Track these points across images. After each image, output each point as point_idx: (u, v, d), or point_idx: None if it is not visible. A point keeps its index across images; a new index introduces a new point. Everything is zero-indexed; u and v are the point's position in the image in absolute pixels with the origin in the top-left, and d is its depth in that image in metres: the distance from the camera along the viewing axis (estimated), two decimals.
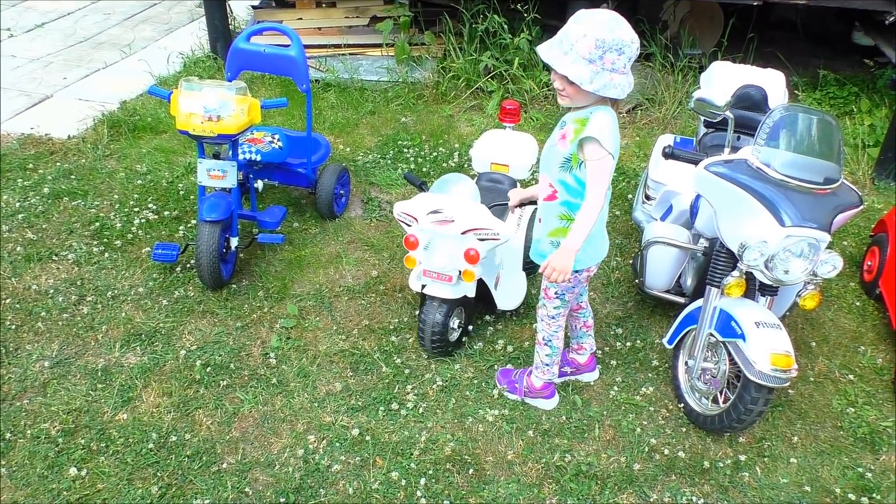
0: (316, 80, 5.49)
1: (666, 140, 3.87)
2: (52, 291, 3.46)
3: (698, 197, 3.07)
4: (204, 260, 3.33)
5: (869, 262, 3.81)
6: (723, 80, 3.62)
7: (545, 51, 2.31)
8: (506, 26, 5.21)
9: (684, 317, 3.01)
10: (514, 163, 3.59)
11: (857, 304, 3.69)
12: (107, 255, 3.72)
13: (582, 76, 2.24)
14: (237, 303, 3.46)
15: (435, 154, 4.72)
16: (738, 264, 2.66)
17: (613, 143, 2.37)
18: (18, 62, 5.81)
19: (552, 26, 5.84)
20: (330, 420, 2.89)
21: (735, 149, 3.34)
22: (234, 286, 3.54)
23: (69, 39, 6.31)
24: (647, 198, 3.80)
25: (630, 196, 4.35)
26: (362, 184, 4.42)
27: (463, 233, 2.88)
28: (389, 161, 4.65)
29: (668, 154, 2.87)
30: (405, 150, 4.76)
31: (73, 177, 4.34)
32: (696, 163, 2.81)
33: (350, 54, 5.73)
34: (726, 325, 2.76)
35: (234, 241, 3.52)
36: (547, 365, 2.90)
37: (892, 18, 4.72)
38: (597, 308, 3.55)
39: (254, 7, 6.47)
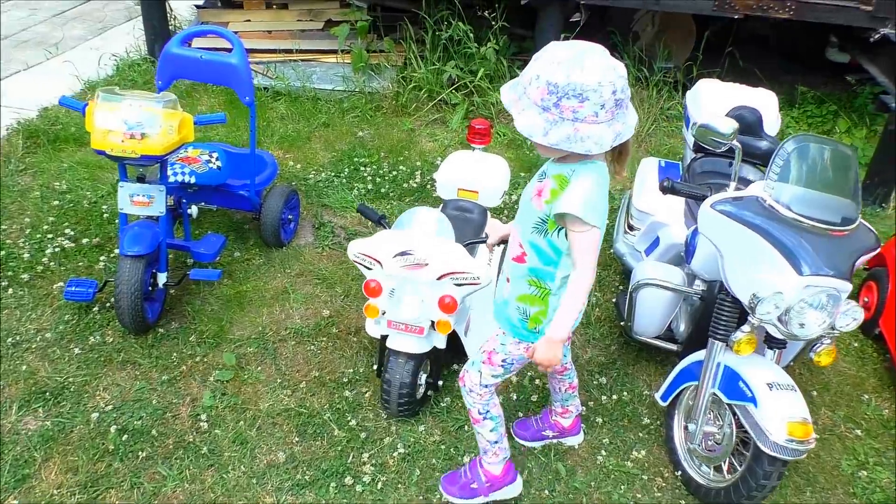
0: (264, 88, 5.01)
1: (650, 165, 3.51)
2: None
3: (695, 233, 2.71)
4: (124, 301, 2.84)
5: (865, 299, 3.51)
6: (712, 101, 3.28)
7: (504, 92, 1.91)
8: (471, 34, 4.82)
9: (680, 371, 2.65)
10: (484, 189, 3.19)
11: (855, 345, 3.39)
12: (11, 291, 3.18)
13: (533, 127, 1.81)
14: (164, 350, 2.97)
15: (395, 173, 4.29)
16: (749, 318, 2.30)
17: (599, 213, 1.94)
18: None
19: (520, 35, 5.55)
20: (271, 501, 2.43)
21: (743, 181, 3.00)
22: (161, 330, 3.05)
23: None
24: (630, 228, 3.44)
25: (607, 223, 3.99)
26: (314, 206, 3.96)
27: (438, 278, 2.46)
28: (344, 180, 4.20)
29: (668, 188, 2.50)
30: (362, 167, 4.32)
31: None
32: (699, 199, 2.44)
33: (302, 60, 5.26)
34: (733, 384, 2.40)
35: (161, 278, 3.03)
36: (496, 442, 2.36)
37: (878, 36, 4.47)
38: (576, 353, 3.16)
39: (198, 6, 5.95)
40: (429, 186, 4.18)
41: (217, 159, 3.35)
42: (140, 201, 2.87)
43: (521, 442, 2.71)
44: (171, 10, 5.57)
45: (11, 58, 5.36)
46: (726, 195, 2.37)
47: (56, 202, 3.77)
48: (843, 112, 5.17)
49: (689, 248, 2.75)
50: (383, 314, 2.61)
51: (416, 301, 2.53)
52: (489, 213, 3.22)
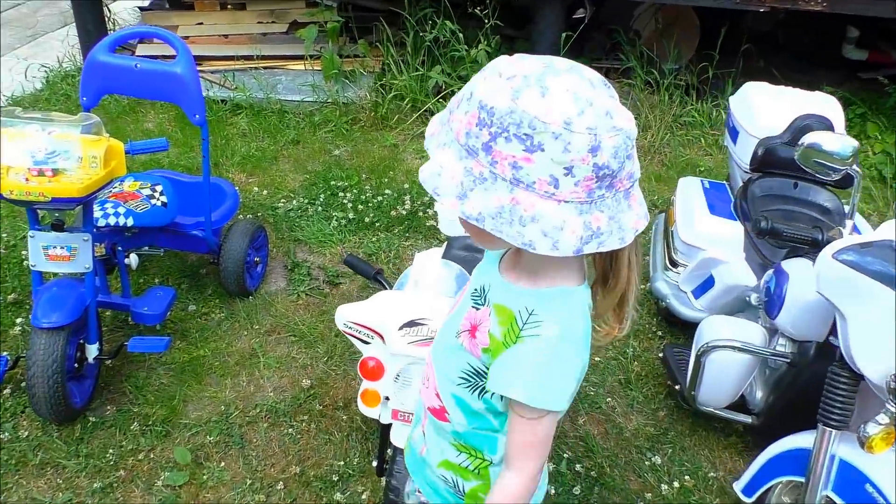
0: (221, 101, 4.32)
1: (693, 186, 2.92)
2: None
3: (780, 276, 2.12)
4: (40, 385, 2.16)
5: None
6: (768, 110, 2.71)
7: (431, 123, 1.11)
8: (460, 35, 4.20)
9: (768, 461, 2.05)
10: None
11: None
12: None
13: (444, 178, 1.03)
14: (97, 446, 2.29)
15: (379, 198, 3.64)
16: (887, 404, 1.71)
17: (564, 392, 1.15)
18: None
19: (511, 36, 4.96)
20: None
21: (816, 206, 2.43)
22: (92, 418, 2.37)
23: None
24: (673, 263, 2.84)
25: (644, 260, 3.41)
26: (285, 242, 3.30)
27: None
28: (320, 208, 3.55)
29: (766, 232, 1.90)
30: (340, 192, 3.67)
31: None
32: (811, 245, 1.85)
33: (265, 68, 4.59)
34: (855, 487, 1.82)
35: (91, 350, 2.35)
36: None
37: None
38: (619, 423, 2.56)
39: (141, 9, 5.22)
40: (421, 213, 3.55)
41: (161, 193, 2.67)
42: (57, 255, 2.19)
43: None
44: (110, 14, 4.87)
45: None
46: (851, 242, 1.77)
47: None
48: (872, 115, 4.68)
49: (774, 298, 2.15)
50: (386, 401, 1.97)
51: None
52: None
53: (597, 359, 2.81)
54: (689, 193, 2.89)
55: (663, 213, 3.16)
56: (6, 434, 2.29)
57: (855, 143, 1.87)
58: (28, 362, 2.16)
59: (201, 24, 4.82)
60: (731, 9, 4.05)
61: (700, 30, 5.07)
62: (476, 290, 1.27)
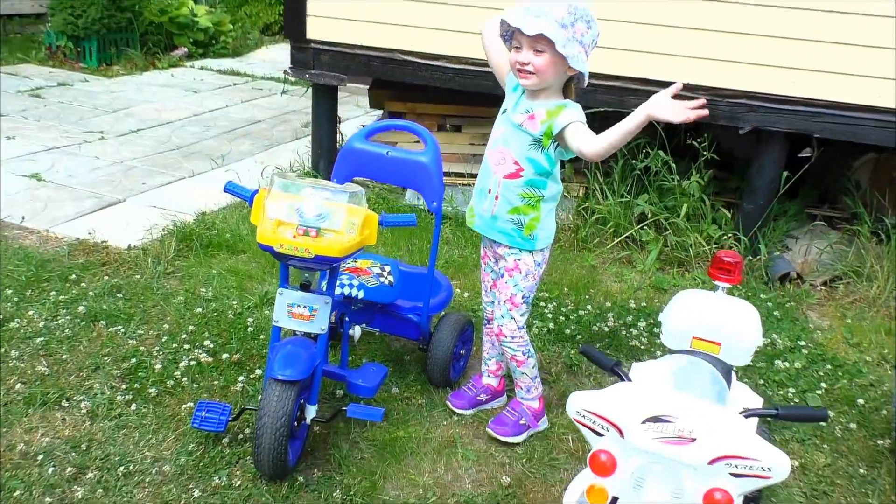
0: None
1: None
2: (42, 456, 2.38)
3: None
4: (267, 436, 2.22)
5: None
6: None
7: (547, 26, 2.17)
8: (672, 165, 4.22)
9: None
10: (731, 341, 2.41)
11: None
12: (133, 406, 2.66)
13: (552, 33, 2.17)
14: None
15: (580, 312, 3.59)
16: None
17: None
18: (99, 164, 5.17)
19: (725, 173, 4.92)
20: None
21: None
22: (300, 478, 2.39)
23: (161, 147, 5.71)
24: None
25: (860, 401, 3.07)
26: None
27: (711, 462, 1.68)
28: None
29: None
30: (541, 302, 3.66)
31: (119, 294, 3.41)
32: None
33: (472, 185, 4.83)
34: None
35: (310, 411, 2.41)
36: (536, 377, 2.70)
37: None
38: None
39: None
40: (623, 333, 3.45)
41: (389, 273, 2.80)
42: (300, 314, 2.32)
43: (459, 411, 2.80)
44: (340, 130, 5.40)
45: (180, 166, 5.28)
46: None
47: (199, 309, 3.33)
48: None
49: None
50: (614, 501, 1.82)
51: (669, 491, 1.73)
52: (734, 373, 2.43)
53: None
54: None
55: None
56: (222, 479, 2.35)
57: None
58: (259, 412, 2.24)
59: (419, 142, 5.20)
60: None
61: None
62: (525, 108, 2.38)
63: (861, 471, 2.69)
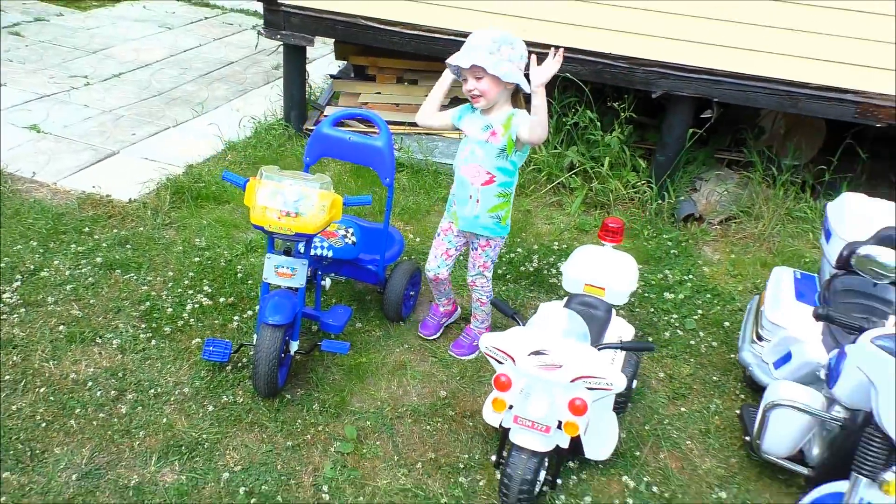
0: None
1: (784, 276, 3.43)
2: (90, 382, 3.14)
3: (841, 356, 2.62)
4: (262, 367, 2.98)
5: None
6: (858, 219, 3.20)
7: (478, 57, 2.88)
8: (598, 122, 4.89)
9: (813, 501, 2.53)
10: (611, 286, 3.20)
11: None
12: (154, 342, 3.40)
13: (483, 61, 2.87)
14: (290, 416, 3.09)
15: (511, 254, 4.35)
16: None
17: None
18: (89, 113, 5.69)
19: (645, 125, 5.59)
20: None
21: (882, 300, 2.91)
22: (287, 395, 3.18)
23: (143, 92, 6.20)
24: (759, 337, 3.35)
25: (727, 324, 3.91)
26: None
27: (572, 380, 2.48)
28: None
29: (823, 316, 2.45)
30: None
31: (128, 245, 4.08)
32: (857, 330, 2.37)
33: (426, 135, 5.47)
34: None
35: (293, 346, 3.18)
36: (488, 313, 3.54)
37: None
38: (694, 462, 3.08)
39: (332, 76, 6.31)
40: (545, 272, 4.22)
41: (352, 234, 3.51)
42: (284, 273, 3.03)
43: (429, 337, 3.61)
44: (308, 75, 5.92)
45: (164, 114, 5.81)
46: (888, 331, 2.29)
47: (196, 258, 4.02)
48: None
49: (833, 373, 2.65)
50: (510, 408, 2.64)
51: (547, 400, 2.54)
52: (614, 311, 3.22)
53: (682, 409, 3.34)
54: (781, 281, 3.40)
55: (757, 295, 3.66)
56: (229, 397, 3.13)
57: None
58: (255, 348, 2.99)
59: (379, 93, 5.79)
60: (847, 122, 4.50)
61: (825, 132, 5.48)
62: (483, 126, 3.06)
63: (714, 378, 3.56)
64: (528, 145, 3.07)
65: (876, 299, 3.08)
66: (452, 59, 2.93)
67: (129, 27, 7.81)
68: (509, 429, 2.68)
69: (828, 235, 3.33)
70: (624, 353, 3.09)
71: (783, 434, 2.76)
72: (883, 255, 2.40)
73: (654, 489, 2.92)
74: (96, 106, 5.83)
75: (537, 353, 2.54)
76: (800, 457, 2.88)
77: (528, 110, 2.91)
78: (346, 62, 6.26)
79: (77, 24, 7.73)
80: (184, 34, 7.81)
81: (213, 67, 6.95)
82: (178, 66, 6.90)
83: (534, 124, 2.90)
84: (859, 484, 2.34)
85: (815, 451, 2.80)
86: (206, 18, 8.46)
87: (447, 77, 3.15)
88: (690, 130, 4.77)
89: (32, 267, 3.81)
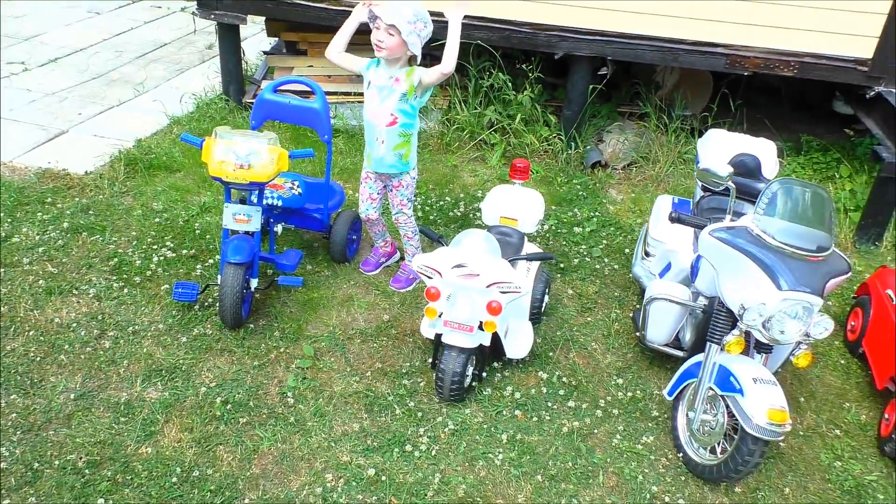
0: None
1: (665, 201, 4.10)
2: (74, 325, 3.56)
3: (699, 257, 3.28)
4: (227, 300, 3.46)
5: (852, 323, 4.03)
6: (719, 148, 3.86)
7: (399, 20, 3.34)
8: (510, 83, 5.47)
9: (684, 370, 3.19)
10: (522, 217, 3.79)
11: (842, 362, 3.90)
12: (126, 290, 3.83)
13: (402, 24, 3.35)
14: (254, 342, 3.59)
15: (441, 203, 4.91)
16: (738, 324, 2.86)
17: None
18: (34, 96, 5.96)
19: (552, 83, 6.20)
20: (346, 460, 3.01)
21: (737, 214, 3.58)
22: (251, 326, 3.67)
23: (83, 75, 6.47)
24: (647, 254, 4.01)
25: (627, 250, 4.57)
26: None
27: (487, 286, 3.06)
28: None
29: (675, 219, 3.08)
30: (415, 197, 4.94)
31: (91, 212, 4.46)
32: (701, 227, 3.02)
33: (358, 102, 5.94)
34: (725, 379, 2.95)
35: (254, 283, 3.66)
36: (418, 247, 4.00)
37: (873, 93, 5.04)
38: (598, 358, 3.72)
39: (266, 53, 6.70)
40: (471, 216, 4.80)
41: (298, 186, 4.00)
42: (241, 219, 3.51)
43: (368, 273, 4.15)
44: (244, 53, 6.30)
45: (106, 95, 6.12)
46: (722, 225, 2.94)
47: (156, 219, 4.44)
48: (846, 160, 5.71)
49: (694, 270, 3.32)
50: (440, 315, 3.20)
51: (469, 304, 3.12)
52: (526, 238, 3.82)
53: (588, 319, 3.99)
54: (661, 205, 4.07)
55: (647, 223, 4.32)
56: (199, 330, 3.61)
57: (730, 168, 3.03)
58: (220, 285, 3.47)
59: (311, 66, 6.22)
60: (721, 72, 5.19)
61: (712, 84, 6.20)
62: (388, 76, 3.53)
63: (616, 293, 4.21)
64: (431, 87, 3.58)
65: (737, 215, 3.76)
66: (377, 9, 3.35)
67: (59, 13, 7.97)
68: (441, 335, 3.25)
69: (697, 164, 4.00)
70: (536, 270, 3.69)
71: (661, 323, 3.42)
72: (716, 167, 3.04)
73: (564, 380, 3.55)
74: (38, 90, 6.09)
75: (459, 266, 3.11)
76: (677, 343, 3.55)
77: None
78: (277, 39, 6.65)
79: (4, 12, 7.85)
80: (114, 18, 8.03)
81: (147, 49, 7.23)
82: (112, 49, 7.16)
83: (447, 56, 3.41)
84: (711, 350, 3.00)
85: (688, 337, 3.48)
86: (134, 2, 8.66)
87: (360, 15, 3.51)
88: (591, 87, 5.40)
89: (3, 234, 4.17)
